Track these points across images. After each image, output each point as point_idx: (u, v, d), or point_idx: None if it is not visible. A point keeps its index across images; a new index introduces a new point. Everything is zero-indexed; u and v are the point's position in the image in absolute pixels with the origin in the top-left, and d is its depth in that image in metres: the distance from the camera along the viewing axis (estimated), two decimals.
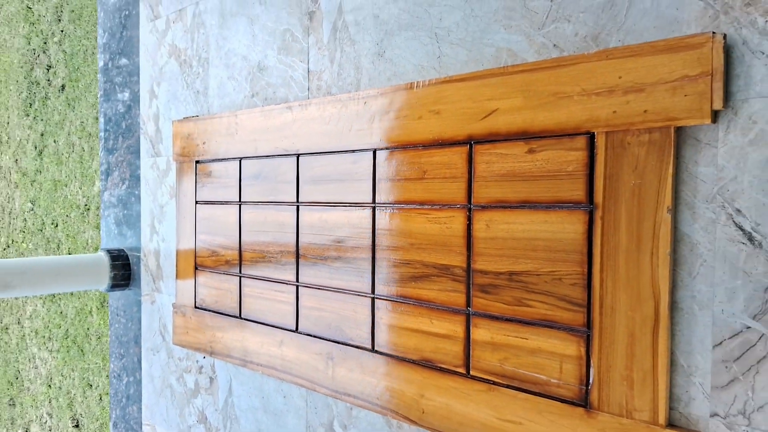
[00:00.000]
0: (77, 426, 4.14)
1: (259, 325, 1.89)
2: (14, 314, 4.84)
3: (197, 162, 2.13)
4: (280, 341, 1.83)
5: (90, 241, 3.92)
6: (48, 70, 4.50)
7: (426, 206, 1.47)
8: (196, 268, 2.14)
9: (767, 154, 1.02)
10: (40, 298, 4.49)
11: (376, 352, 1.58)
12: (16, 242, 4.78)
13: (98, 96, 2.96)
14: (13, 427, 4.84)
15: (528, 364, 1.29)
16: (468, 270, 1.39)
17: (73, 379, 4.16)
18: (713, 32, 1.04)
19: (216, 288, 2.06)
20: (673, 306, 1.11)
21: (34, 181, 4.64)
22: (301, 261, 1.78)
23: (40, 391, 4.56)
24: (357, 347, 1.63)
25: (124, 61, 2.56)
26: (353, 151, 1.63)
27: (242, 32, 2.01)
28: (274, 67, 1.90)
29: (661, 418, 1.10)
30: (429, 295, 1.47)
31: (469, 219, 1.39)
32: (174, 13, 2.27)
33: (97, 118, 3.75)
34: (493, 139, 1.34)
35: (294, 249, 1.79)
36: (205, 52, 2.15)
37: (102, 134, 2.73)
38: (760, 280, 1.03)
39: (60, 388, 4.31)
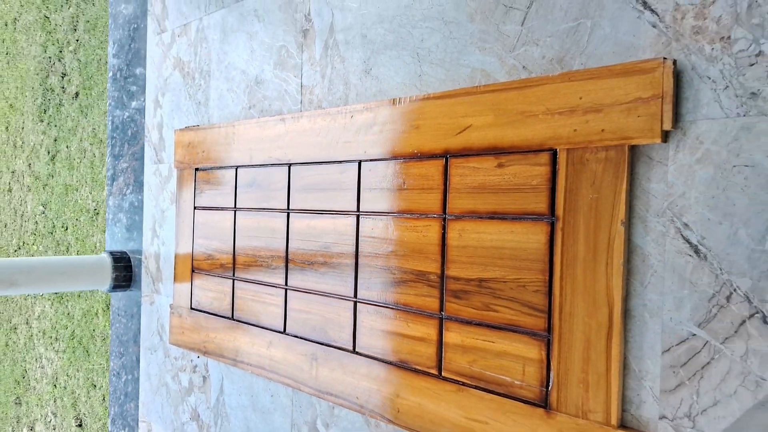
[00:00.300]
0: (80, 425, 4.23)
1: (250, 326, 1.98)
2: (23, 314, 4.96)
3: (197, 169, 2.23)
4: (268, 342, 1.91)
5: (98, 244, 4.03)
6: (63, 77, 4.64)
7: (405, 215, 1.55)
8: (192, 271, 2.23)
9: (712, 173, 1.09)
10: (49, 299, 4.61)
11: (357, 353, 1.66)
12: (27, 244, 4.91)
13: (107, 104, 3.07)
14: (18, 426, 4.94)
15: (494, 366, 1.36)
16: (442, 276, 1.47)
17: (78, 379, 4.26)
18: (664, 58, 1.12)
19: (211, 290, 2.15)
20: (626, 313, 1.18)
21: (46, 185, 4.78)
22: (290, 265, 1.86)
23: (45, 390, 4.67)
24: (339, 348, 1.70)
25: (131, 71, 2.67)
26: (340, 162, 1.72)
27: (242, 47, 2.11)
28: (270, 81, 2.00)
29: (614, 420, 1.17)
30: (406, 300, 1.54)
31: (444, 228, 1.47)
32: (179, 27, 2.38)
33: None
34: (466, 153, 1.42)
35: (284, 254, 1.88)
36: (207, 65, 2.25)
37: (109, 141, 2.85)
38: (705, 290, 1.10)
39: (65, 387, 4.41)
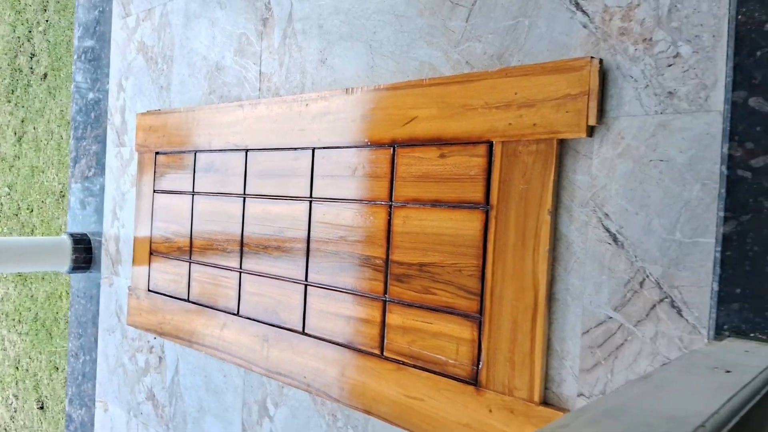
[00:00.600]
0: (42, 408, 4.22)
1: (205, 308, 2.01)
2: None
3: (157, 153, 2.25)
4: (222, 324, 1.95)
5: (63, 227, 4.01)
6: (31, 58, 4.58)
7: (354, 202, 1.60)
8: (151, 254, 2.26)
9: (631, 167, 1.16)
10: (12, 281, 4.56)
11: (306, 334, 1.71)
12: None
13: (71, 87, 3.06)
14: None
15: (431, 346, 1.42)
16: (387, 261, 1.53)
17: (41, 362, 4.24)
18: (592, 57, 1.19)
19: (168, 273, 2.18)
20: (550, 297, 1.25)
21: (12, 166, 4.72)
22: (245, 249, 1.91)
23: (7, 372, 4.63)
24: (290, 330, 1.76)
25: (96, 54, 2.67)
26: (295, 149, 1.76)
27: (204, 34, 2.13)
28: (231, 67, 2.03)
29: (537, 397, 1.24)
30: (354, 283, 1.60)
31: (390, 215, 1.52)
32: (143, 11, 2.40)
33: None
34: (412, 143, 1.48)
35: (239, 238, 1.92)
36: (170, 50, 2.27)
37: (73, 123, 2.84)
38: (621, 276, 1.17)
39: (27, 370, 4.38)
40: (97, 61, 2.68)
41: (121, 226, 2.48)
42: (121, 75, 2.53)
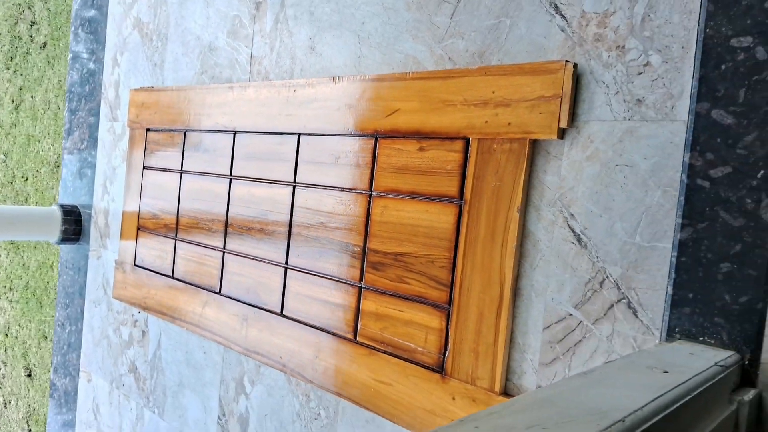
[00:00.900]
0: (30, 375, 4.27)
1: (188, 285, 2.06)
2: None
3: (148, 130, 2.28)
4: (204, 302, 2.00)
5: (57, 197, 4.04)
6: (32, 26, 4.58)
7: (336, 189, 1.64)
8: (138, 229, 2.29)
9: (598, 170, 1.20)
10: (5, 249, 4.60)
11: (284, 316, 1.76)
12: None
13: (68, 58, 3.08)
14: None
15: (402, 333, 1.47)
16: (364, 249, 1.57)
17: (30, 330, 4.29)
18: (566, 60, 1.22)
19: (154, 249, 2.22)
20: (515, 292, 1.30)
21: (8, 134, 4.73)
22: (229, 230, 1.94)
23: None
24: (268, 311, 1.80)
25: (93, 27, 2.69)
26: (282, 133, 1.79)
27: (198, 13, 2.15)
28: (223, 48, 2.05)
29: (497, 387, 1.29)
30: (331, 269, 1.64)
31: (369, 204, 1.56)
32: None
33: None
34: (394, 135, 1.51)
35: (224, 218, 1.96)
36: (165, 28, 2.29)
37: (68, 95, 2.86)
38: (583, 275, 1.21)
39: (16, 337, 4.44)
40: (94, 34, 2.69)
41: (110, 200, 2.52)
42: (117, 50, 2.54)
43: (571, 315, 1.23)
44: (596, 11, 1.21)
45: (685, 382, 0.83)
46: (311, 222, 1.70)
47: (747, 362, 1.04)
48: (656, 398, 0.74)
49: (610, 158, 1.18)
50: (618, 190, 1.17)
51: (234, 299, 1.91)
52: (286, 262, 1.77)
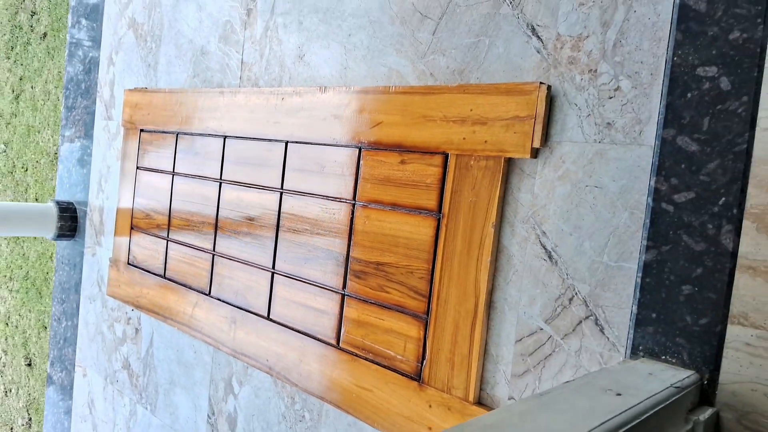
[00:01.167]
0: (30, 365, 4.34)
1: (179, 286, 2.10)
2: None
3: (142, 130, 2.31)
4: (194, 303, 2.04)
5: (56, 188, 4.08)
6: (32, 16, 4.59)
7: (321, 197, 1.68)
8: (131, 228, 2.34)
9: (569, 190, 1.24)
10: (5, 239, 4.65)
11: (271, 320, 1.81)
12: None
13: (65, 54, 3.11)
14: None
15: (382, 341, 1.51)
16: (347, 257, 1.61)
17: (30, 319, 4.35)
18: (541, 82, 1.25)
19: (146, 248, 2.26)
20: (489, 305, 1.34)
21: (9, 123, 4.77)
22: (218, 233, 1.99)
23: None
24: (256, 314, 1.85)
25: (90, 24, 2.71)
26: (270, 140, 1.83)
27: (191, 17, 2.18)
28: (215, 53, 2.08)
29: (472, 396, 1.34)
30: (316, 275, 1.68)
31: (353, 213, 1.60)
32: None
33: None
34: (377, 147, 1.54)
35: (214, 221, 2.00)
36: (159, 30, 2.32)
37: (65, 91, 2.89)
38: (553, 291, 1.25)
39: (17, 327, 4.50)
40: (91, 31, 2.72)
41: (105, 198, 2.56)
42: (112, 49, 2.57)
43: (541, 329, 1.27)
44: (570, 34, 1.24)
45: (635, 405, 0.87)
46: (297, 228, 1.74)
47: (706, 382, 1.08)
48: (602, 423, 0.78)
49: (580, 179, 1.22)
50: (587, 210, 1.21)
51: (223, 301, 1.95)
52: (273, 267, 1.81)
